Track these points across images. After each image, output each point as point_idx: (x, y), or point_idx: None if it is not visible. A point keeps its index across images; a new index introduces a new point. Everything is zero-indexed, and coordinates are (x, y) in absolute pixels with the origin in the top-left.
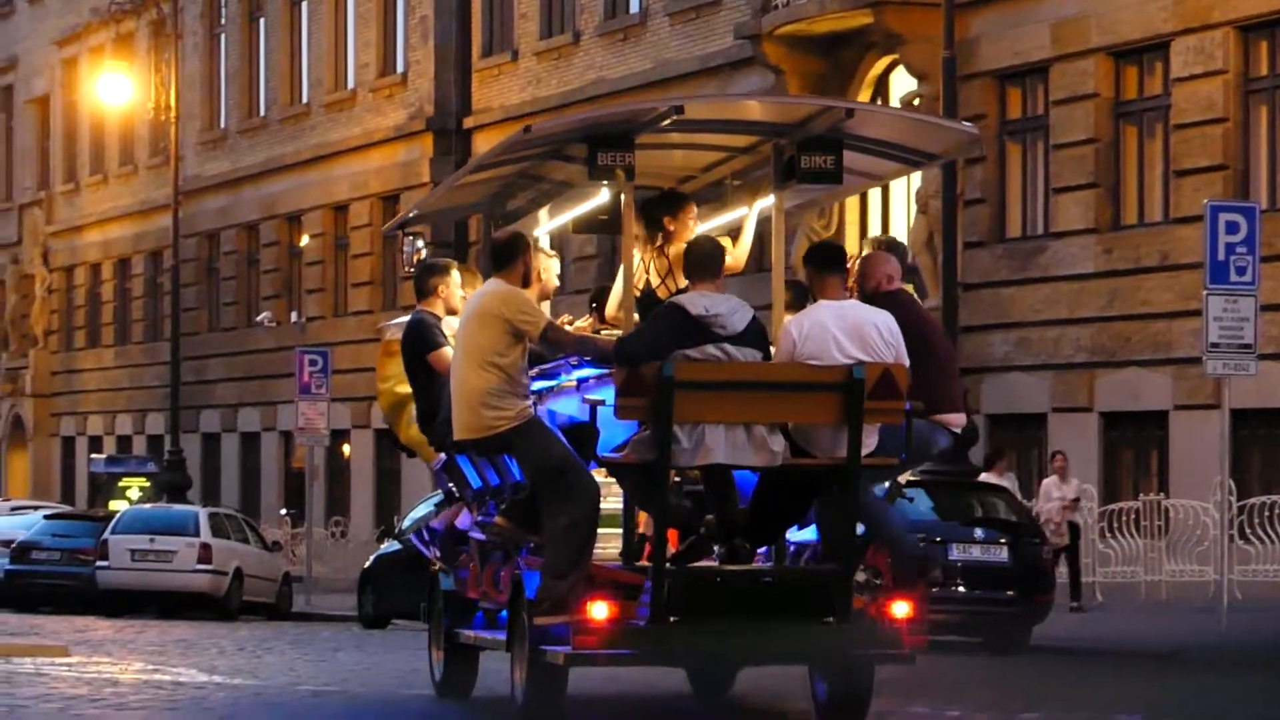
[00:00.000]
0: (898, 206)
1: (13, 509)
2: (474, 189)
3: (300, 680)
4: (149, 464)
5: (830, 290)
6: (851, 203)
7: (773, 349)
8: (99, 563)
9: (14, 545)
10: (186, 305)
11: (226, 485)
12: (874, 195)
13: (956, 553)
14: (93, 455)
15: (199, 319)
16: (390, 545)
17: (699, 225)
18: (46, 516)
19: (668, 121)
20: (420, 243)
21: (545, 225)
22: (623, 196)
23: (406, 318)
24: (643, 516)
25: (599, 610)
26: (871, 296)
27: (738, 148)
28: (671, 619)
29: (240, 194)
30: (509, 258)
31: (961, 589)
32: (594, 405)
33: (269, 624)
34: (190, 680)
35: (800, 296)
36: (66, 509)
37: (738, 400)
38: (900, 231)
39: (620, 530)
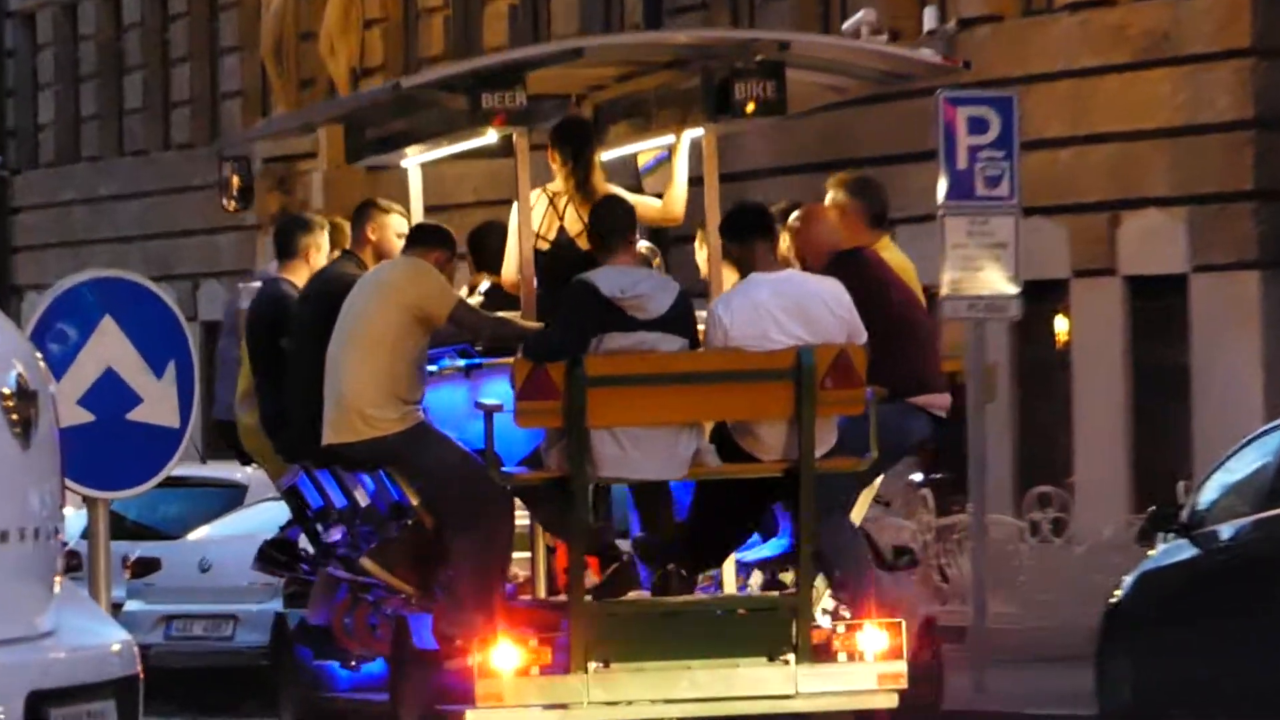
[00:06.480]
0: None
1: None
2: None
3: None
4: None
5: (761, 260)
6: None
7: (701, 329)
8: None
9: None
10: None
11: None
12: None
13: None
14: None
15: None
16: (1172, 545)
17: (622, 147)
18: None
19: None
20: (237, 176)
21: (416, 156)
22: (515, 140)
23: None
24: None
25: (506, 657)
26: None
27: (660, 63)
28: (592, 666)
29: None
30: (432, 242)
31: None
32: (489, 411)
33: None
34: None
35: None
36: None
37: (665, 398)
38: None
39: (528, 555)
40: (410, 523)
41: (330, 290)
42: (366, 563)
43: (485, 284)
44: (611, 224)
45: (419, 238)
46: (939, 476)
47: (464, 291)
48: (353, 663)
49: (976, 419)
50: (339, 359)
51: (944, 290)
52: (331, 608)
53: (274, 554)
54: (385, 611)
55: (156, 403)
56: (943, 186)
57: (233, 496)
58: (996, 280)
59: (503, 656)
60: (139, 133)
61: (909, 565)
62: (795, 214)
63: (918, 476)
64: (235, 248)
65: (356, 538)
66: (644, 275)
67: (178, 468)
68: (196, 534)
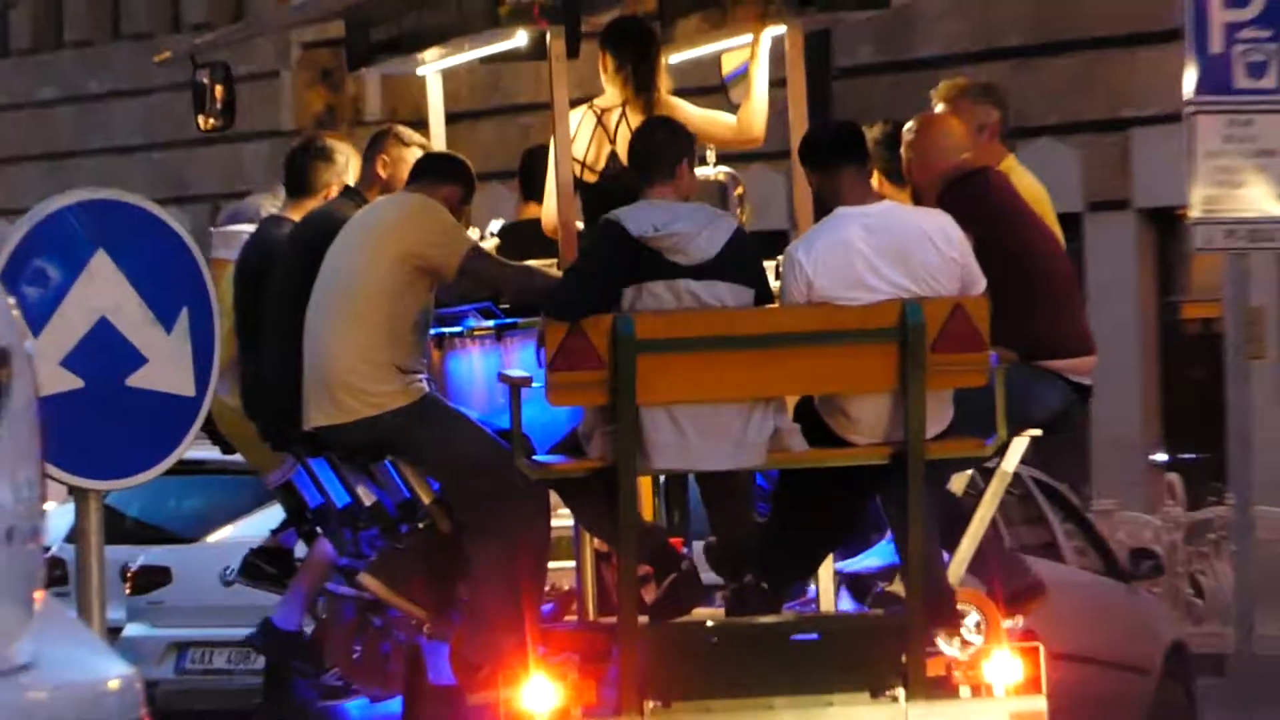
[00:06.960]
0: None
1: None
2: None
3: None
4: None
5: (848, 191)
6: None
7: (776, 283)
8: None
9: None
10: None
11: None
12: None
13: None
14: None
15: None
16: None
17: (693, 49)
18: None
19: None
20: (220, 85)
21: (433, 64)
22: (549, 42)
23: (245, 225)
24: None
25: (540, 694)
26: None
27: None
28: (649, 705)
29: None
30: (441, 175)
31: None
32: (515, 385)
33: None
34: None
35: None
36: None
37: (734, 367)
38: None
39: (573, 564)
40: (421, 525)
41: (318, 233)
42: (365, 579)
43: (497, 223)
44: (646, 153)
45: (424, 169)
46: (1190, 457)
47: (474, 234)
48: (321, 680)
49: (1239, 382)
50: (320, 321)
51: (1194, 212)
52: (328, 625)
53: (261, 565)
54: (399, 638)
55: (165, 364)
56: (1191, 77)
57: (263, 488)
58: (1263, 199)
59: (535, 694)
60: (139, 10)
61: (1152, 574)
62: (909, 125)
63: (1161, 457)
64: (266, 160)
65: (360, 544)
66: (685, 211)
67: (193, 449)
68: (217, 536)
